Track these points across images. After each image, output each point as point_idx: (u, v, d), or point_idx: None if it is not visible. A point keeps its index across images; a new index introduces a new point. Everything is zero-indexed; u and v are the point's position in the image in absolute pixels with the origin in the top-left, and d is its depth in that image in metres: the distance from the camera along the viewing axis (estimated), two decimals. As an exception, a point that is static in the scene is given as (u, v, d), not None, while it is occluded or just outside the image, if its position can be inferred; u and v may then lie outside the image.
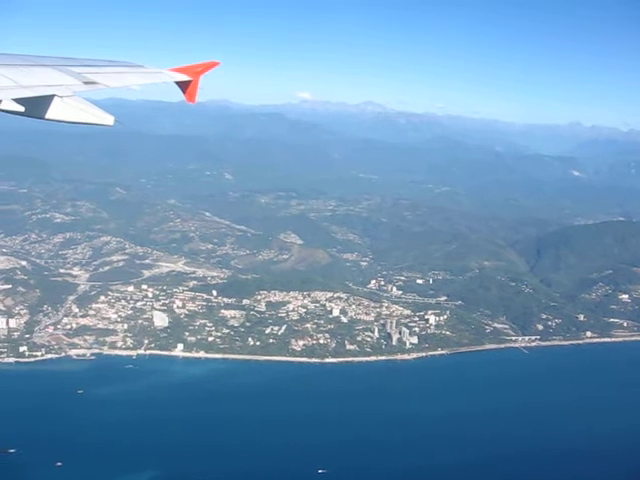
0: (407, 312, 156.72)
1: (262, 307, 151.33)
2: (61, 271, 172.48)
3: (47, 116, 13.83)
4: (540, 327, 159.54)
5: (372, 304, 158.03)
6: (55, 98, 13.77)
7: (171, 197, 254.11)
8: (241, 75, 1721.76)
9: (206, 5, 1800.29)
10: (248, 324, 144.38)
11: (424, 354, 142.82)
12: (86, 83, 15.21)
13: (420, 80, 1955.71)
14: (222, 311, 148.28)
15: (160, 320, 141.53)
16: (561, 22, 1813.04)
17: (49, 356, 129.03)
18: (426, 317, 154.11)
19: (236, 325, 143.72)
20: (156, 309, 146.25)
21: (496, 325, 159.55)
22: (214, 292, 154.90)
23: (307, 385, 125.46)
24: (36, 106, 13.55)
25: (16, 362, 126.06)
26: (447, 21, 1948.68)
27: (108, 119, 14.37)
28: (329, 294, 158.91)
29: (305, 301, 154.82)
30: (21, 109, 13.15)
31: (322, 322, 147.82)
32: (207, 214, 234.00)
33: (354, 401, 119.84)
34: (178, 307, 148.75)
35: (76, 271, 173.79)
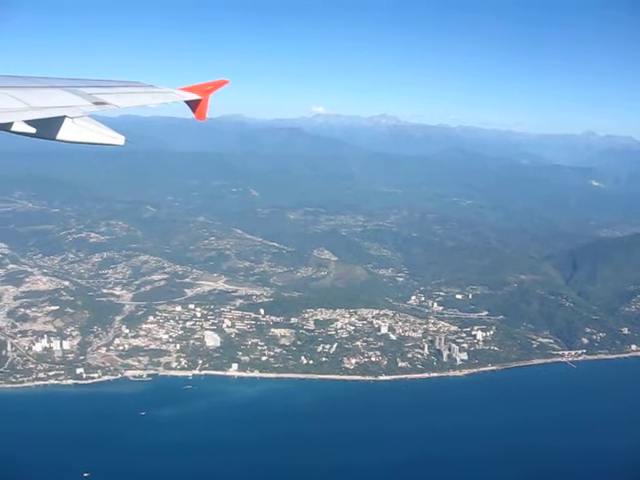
0: (454, 328, 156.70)
1: (311, 325, 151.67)
2: (104, 291, 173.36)
3: (58, 137, 13.93)
4: (585, 341, 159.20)
5: (418, 320, 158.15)
6: (66, 119, 13.83)
7: (200, 214, 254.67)
8: (253, 90, 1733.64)
9: (218, 22, 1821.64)
10: (299, 342, 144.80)
11: (475, 370, 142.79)
12: (96, 104, 15.22)
13: (432, 92, 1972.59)
14: (272, 330, 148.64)
15: (212, 340, 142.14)
16: (571, 33, 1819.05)
17: (106, 377, 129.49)
18: (473, 333, 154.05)
19: (287, 344, 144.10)
20: (206, 329, 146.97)
21: (541, 340, 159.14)
22: (261, 311, 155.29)
23: (365, 403, 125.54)
24: (47, 127, 13.61)
25: (75, 384, 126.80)
26: (457, 34, 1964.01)
27: (119, 139, 14.61)
28: (375, 311, 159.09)
29: (352, 319, 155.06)
30: (32, 130, 13.24)
31: (371, 339, 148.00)
32: (238, 231, 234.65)
33: (414, 417, 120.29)
34: (228, 326, 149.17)
35: (118, 291, 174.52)
